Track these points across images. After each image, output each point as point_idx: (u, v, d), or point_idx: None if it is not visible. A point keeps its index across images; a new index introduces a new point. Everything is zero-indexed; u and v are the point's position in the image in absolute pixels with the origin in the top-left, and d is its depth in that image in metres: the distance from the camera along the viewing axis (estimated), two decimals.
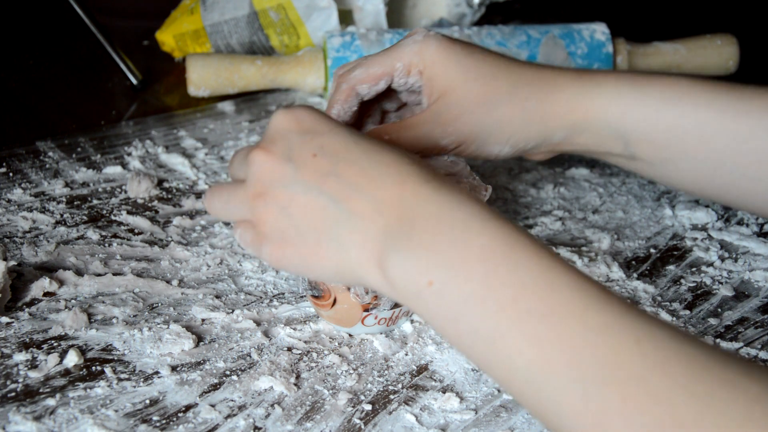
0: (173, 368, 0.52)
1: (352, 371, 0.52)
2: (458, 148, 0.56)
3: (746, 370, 0.35)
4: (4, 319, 0.55)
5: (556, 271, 0.39)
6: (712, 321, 0.59)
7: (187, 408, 0.49)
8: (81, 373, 0.51)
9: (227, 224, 0.67)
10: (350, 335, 0.56)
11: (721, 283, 0.63)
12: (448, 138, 0.56)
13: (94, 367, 0.51)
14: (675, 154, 0.56)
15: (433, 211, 0.41)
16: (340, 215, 0.42)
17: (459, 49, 0.56)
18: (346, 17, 0.96)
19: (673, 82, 0.56)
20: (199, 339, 0.55)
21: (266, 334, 0.55)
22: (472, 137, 0.56)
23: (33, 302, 0.57)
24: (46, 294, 0.57)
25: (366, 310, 0.54)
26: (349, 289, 0.52)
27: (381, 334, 0.56)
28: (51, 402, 0.48)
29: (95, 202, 0.70)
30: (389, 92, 0.59)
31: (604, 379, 0.36)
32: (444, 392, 0.51)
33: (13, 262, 0.58)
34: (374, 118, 0.61)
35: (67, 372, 0.51)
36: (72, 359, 0.51)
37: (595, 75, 0.57)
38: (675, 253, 0.67)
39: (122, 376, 0.51)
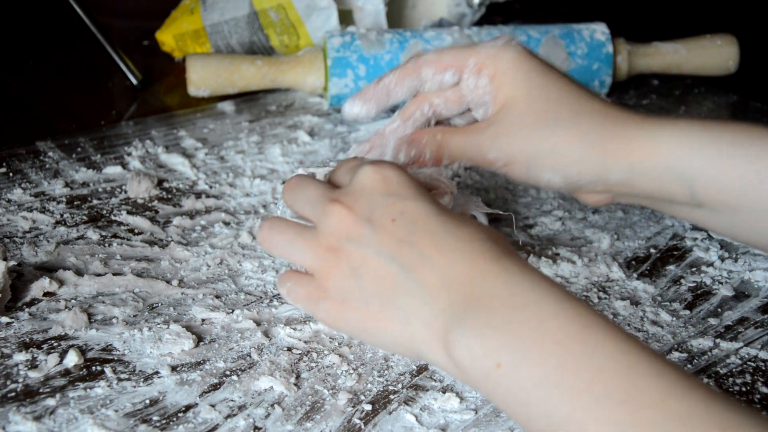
0: (173, 368, 0.52)
1: (352, 371, 0.52)
2: (507, 167, 0.54)
3: None
4: (4, 319, 0.55)
5: (634, 355, 0.37)
6: (712, 321, 0.59)
7: (187, 408, 0.49)
8: (81, 373, 0.51)
9: (227, 224, 0.67)
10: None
11: (721, 283, 0.63)
12: (497, 153, 0.53)
13: (94, 367, 0.51)
14: (748, 201, 0.51)
15: (502, 291, 0.40)
16: (409, 285, 0.42)
17: (535, 65, 0.54)
18: (346, 17, 0.96)
19: (746, 129, 0.52)
20: (199, 339, 0.55)
21: (266, 334, 0.55)
22: (523, 158, 0.53)
23: (33, 302, 0.57)
24: (46, 294, 0.57)
25: None
26: None
27: None
28: (51, 402, 0.48)
29: (95, 202, 0.70)
30: (463, 113, 0.57)
31: None
32: (444, 392, 0.51)
33: (13, 262, 0.57)
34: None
35: (67, 372, 0.51)
36: (72, 359, 0.51)
37: (662, 117, 0.53)
38: (675, 253, 0.67)
39: (122, 376, 0.51)
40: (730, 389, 0.53)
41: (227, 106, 0.88)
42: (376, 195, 0.44)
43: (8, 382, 0.50)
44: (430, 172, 0.55)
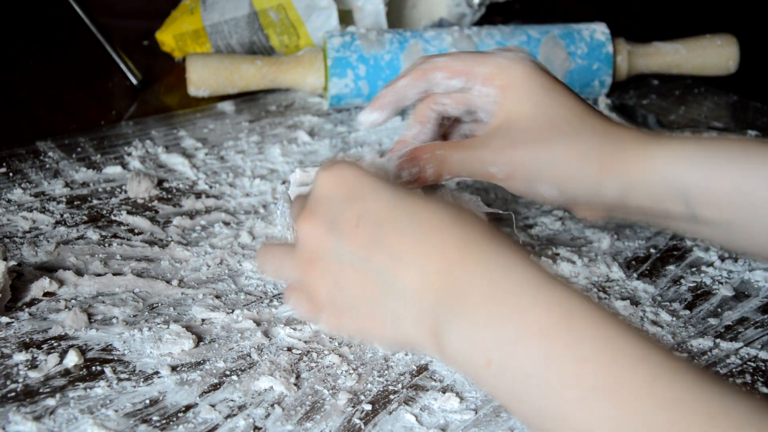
0: (173, 368, 0.52)
1: (352, 371, 0.52)
2: (507, 180, 0.55)
3: None
4: (4, 319, 0.55)
5: (619, 340, 0.37)
6: (712, 321, 0.59)
7: (187, 408, 0.49)
8: (81, 373, 0.51)
9: (227, 224, 0.67)
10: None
11: (721, 283, 0.63)
12: (498, 166, 0.54)
13: (94, 367, 0.51)
14: (741, 213, 0.51)
15: (481, 283, 0.40)
16: (389, 287, 0.42)
17: (543, 81, 0.54)
18: (346, 17, 0.96)
19: (741, 142, 0.53)
20: (199, 339, 0.55)
21: (266, 334, 0.55)
22: (522, 172, 0.54)
23: (33, 302, 0.57)
24: (46, 294, 0.57)
25: None
26: None
27: None
28: (51, 402, 0.48)
29: (95, 202, 0.70)
30: (472, 120, 0.58)
31: None
32: (444, 392, 0.51)
33: (13, 262, 0.57)
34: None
35: (67, 372, 0.51)
36: (72, 359, 0.51)
37: (659, 135, 0.54)
38: (675, 253, 0.67)
39: (122, 376, 0.51)
40: None
41: (227, 106, 0.88)
42: (336, 201, 0.44)
43: (8, 382, 0.50)
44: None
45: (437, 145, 0.55)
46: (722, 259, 0.66)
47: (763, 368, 0.55)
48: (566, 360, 0.37)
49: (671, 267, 0.65)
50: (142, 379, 0.51)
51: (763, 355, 0.56)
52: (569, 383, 0.37)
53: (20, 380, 0.50)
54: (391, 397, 0.51)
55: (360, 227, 0.42)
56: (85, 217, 0.67)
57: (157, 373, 0.51)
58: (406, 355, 0.54)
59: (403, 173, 0.55)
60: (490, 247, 0.41)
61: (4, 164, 0.74)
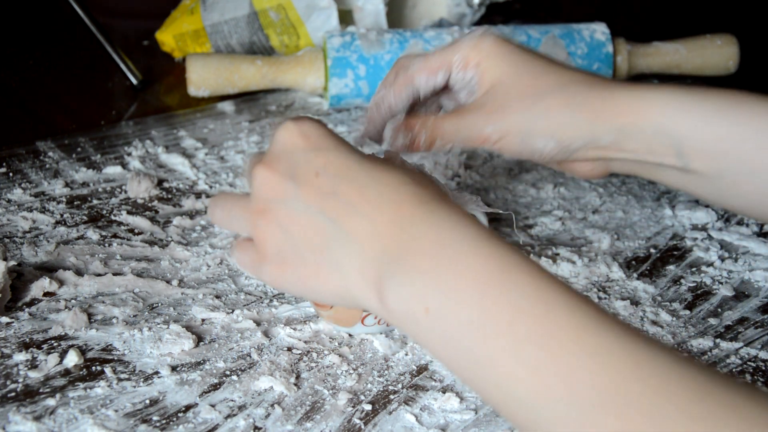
0: (173, 368, 0.52)
1: (352, 371, 0.52)
2: (502, 140, 0.55)
3: (747, 394, 0.34)
4: (4, 319, 0.55)
5: (551, 292, 0.38)
6: (712, 321, 0.59)
7: (187, 408, 0.49)
8: (81, 373, 0.51)
9: None
10: (350, 335, 0.56)
11: (721, 283, 0.63)
12: (492, 126, 0.55)
13: (94, 367, 0.51)
14: (731, 164, 0.53)
15: (427, 234, 0.40)
16: (339, 237, 0.42)
17: (513, 47, 0.56)
18: (346, 17, 0.96)
19: (731, 94, 0.54)
20: (199, 339, 0.55)
21: (266, 334, 0.55)
22: (517, 129, 0.55)
23: (33, 302, 0.57)
24: (46, 294, 0.57)
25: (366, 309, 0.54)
26: None
27: (381, 333, 0.56)
28: (51, 402, 0.48)
29: (95, 202, 0.70)
30: (448, 92, 0.59)
31: (602, 404, 0.35)
32: (444, 392, 0.51)
33: (13, 262, 0.58)
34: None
35: (67, 372, 0.51)
36: (72, 359, 0.51)
37: (649, 84, 0.55)
38: (675, 253, 0.67)
39: (122, 376, 0.51)
40: None
41: (227, 106, 0.88)
42: (298, 151, 0.44)
43: (8, 382, 0.50)
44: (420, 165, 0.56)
45: (430, 115, 0.57)
46: (722, 259, 0.66)
47: (763, 368, 0.55)
48: (500, 309, 0.38)
49: (671, 267, 0.65)
50: (142, 379, 0.51)
51: (763, 355, 0.56)
52: (501, 331, 0.37)
53: (20, 380, 0.50)
54: (391, 397, 0.51)
55: (320, 177, 0.43)
56: (85, 217, 0.67)
57: (157, 373, 0.51)
58: (407, 354, 0.54)
59: (397, 141, 0.56)
60: (441, 206, 0.42)
61: (4, 164, 0.74)
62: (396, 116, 0.58)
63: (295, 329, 0.56)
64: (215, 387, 0.51)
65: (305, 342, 0.55)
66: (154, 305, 0.58)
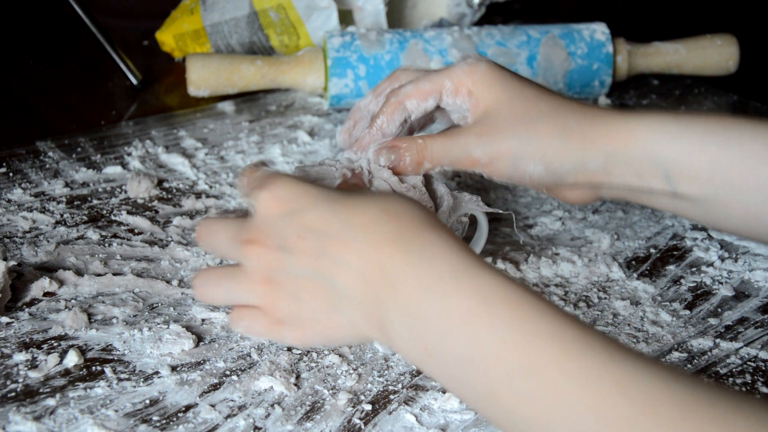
0: (173, 368, 0.52)
1: (352, 371, 0.52)
2: (492, 164, 0.56)
3: (736, 405, 0.35)
4: (4, 319, 0.55)
5: (533, 320, 0.40)
6: (712, 321, 0.59)
7: (187, 408, 0.49)
8: (81, 373, 0.51)
9: None
10: None
11: (721, 283, 0.63)
12: (482, 150, 0.55)
13: (94, 367, 0.51)
14: (720, 187, 0.54)
15: (410, 276, 0.42)
16: (338, 291, 0.44)
17: (507, 74, 0.57)
18: (346, 17, 0.96)
19: (718, 118, 0.55)
20: (199, 339, 0.55)
21: None
22: (508, 151, 0.55)
23: (33, 302, 0.57)
24: (46, 294, 0.57)
25: None
26: None
27: None
28: (51, 402, 0.48)
29: (95, 202, 0.70)
30: (441, 111, 0.60)
31: (593, 426, 0.36)
32: (444, 392, 0.51)
33: (13, 262, 0.58)
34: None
35: (67, 372, 0.51)
36: (72, 359, 0.51)
37: (637, 110, 0.57)
38: (675, 253, 0.67)
39: (122, 376, 0.51)
40: (730, 389, 0.53)
41: (227, 106, 0.88)
42: (276, 219, 0.45)
43: (8, 382, 0.50)
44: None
45: (418, 135, 0.57)
46: (722, 259, 0.66)
47: (763, 368, 0.55)
48: (488, 343, 0.40)
49: (671, 267, 0.65)
50: (142, 379, 0.51)
51: (763, 355, 0.56)
52: (492, 364, 0.39)
53: (20, 380, 0.50)
54: (391, 397, 0.51)
55: (304, 239, 0.44)
56: (85, 217, 0.67)
57: (157, 373, 0.51)
58: None
59: (381, 159, 0.56)
60: (418, 239, 0.43)
61: (4, 164, 0.74)
62: (369, 98, 0.60)
63: None
64: (215, 387, 0.51)
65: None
66: (154, 305, 0.58)
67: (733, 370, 0.55)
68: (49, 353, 0.52)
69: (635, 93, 0.95)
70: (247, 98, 0.90)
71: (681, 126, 0.54)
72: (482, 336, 0.40)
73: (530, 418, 0.38)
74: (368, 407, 0.50)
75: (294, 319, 0.46)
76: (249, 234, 0.46)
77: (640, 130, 0.54)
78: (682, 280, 0.64)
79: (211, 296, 0.48)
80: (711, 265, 0.65)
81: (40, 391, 0.49)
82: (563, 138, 0.55)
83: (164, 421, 0.48)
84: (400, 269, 0.42)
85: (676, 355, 0.56)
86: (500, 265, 0.64)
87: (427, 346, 0.41)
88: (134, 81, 0.91)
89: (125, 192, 0.71)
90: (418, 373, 0.53)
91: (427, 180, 0.58)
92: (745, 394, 0.46)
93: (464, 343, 0.40)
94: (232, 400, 0.50)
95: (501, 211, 0.61)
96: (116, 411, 0.48)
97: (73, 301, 0.57)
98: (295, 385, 0.51)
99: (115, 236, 0.65)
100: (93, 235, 0.65)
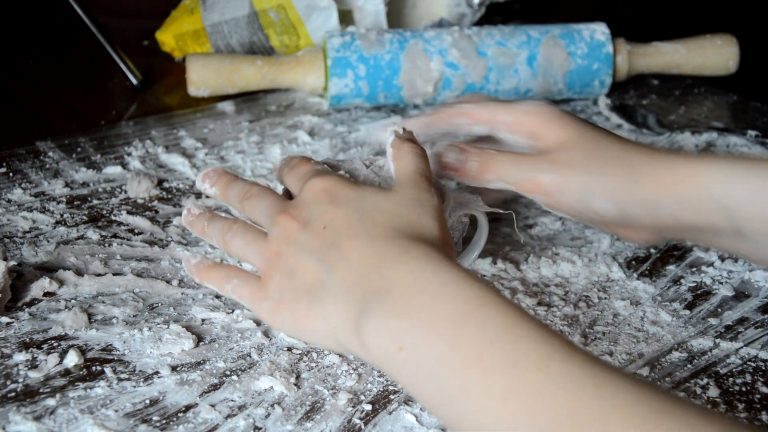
0: (173, 368, 0.52)
1: (352, 371, 0.52)
2: (558, 195, 0.56)
3: (704, 415, 0.36)
4: (4, 319, 0.55)
5: (522, 326, 0.40)
6: (712, 321, 0.59)
7: (187, 408, 0.49)
8: (81, 373, 0.51)
9: None
10: None
11: (721, 283, 0.63)
12: (552, 177, 0.56)
13: (94, 367, 0.51)
14: None
15: (407, 280, 0.43)
16: (331, 284, 0.46)
17: (572, 116, 0.58)
18: (346, 17, 0.96)
19: None
20: (199, 339, 0.55)
21: (266, 334, 0.55)
22: (578, 185, 0.56)
23: (33, 302, 0.57)
24: (46, 294, 0.57)
25: None
26: None
27: None
28: (51, 402, 0.48)
29: (95, 202, 0.70)
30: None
31: (564, 425, 0.37)
32: None
33: (13, 262, 0.58)
34: None
35: (67, 372, 0.51)
36: (72, 359, 0.51)
37: (701, 153, 0.57)
38: (675, 253, 0.67)
39: (122, 376, 0.51)
40: (730, 389, 0.53)
41: (227, 106, 0.88)
42: (316, 204, 0.49)
43: (8, 382, 0.50)
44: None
45: (488, 146, 0.58)
46: (722, 259, 0.66)
47: (763, 368, 0.55)
48: (471, 342, 0.40)
49: (671, 267, 0.65)
50: (142, 379, 0.51)
51: (763, 355, 0.56)
52: (472, 363, 0.40)
53: (20, 380, 0.50)
54: (391, 397, 0.51)
55: (327, 230, 0.47)
56: (85, 217, 0.67)
57: (157, 373, 0.51)
58: None
59: (449, 156, 0.58)
60: (422, 252, 0.45)
61: (4, 164, 0.74)
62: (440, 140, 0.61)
63: None
64: (215, 387, 0.51)
65: (305, 342, 0.55)
66: (154, 305, 0.58)
67: (733, 370, 0.55)
68: (49, 353, 0.52)
69: (635, 93, 0.95)
70: (247, 98, 0.90)
71: (748, 170, 0.54)
72: (468, 335, 0.40)
73: (499, 417, 0.39)
74: (368, 407, 0.50)
75: (278, 295, 0.48)
76: (288, 207, 0.50)
77: (708, 174, 0.54)
78: (682, 280, 0.64)
79: (233, 244, 0.52)
80: (711, 265, 0.65)
81: (40, 391, 0.49)
82: (634, 180, 0.55)
83: (164, 421, 0.48)
84: (396, 274, 0.44)
85: (676, 355, 0.56)
86: (500, 265, 0.64)
87: (403, 345, 0.42)
88: (134, 81, 0.91)
89: (125, 192, 0.71)
90: None
91: None
92: (714, 411, 0.48)
93: (446, 342, 0.41)
94: (232, 400, 0.50)
95: (501, 211, 0.61)
96: (116, 411, 0.48)
97: (73, 301, 0.57)
98: (295, 385, 0.51)
99: (115, 236, 0.65)
100: (93, 235, 0.65)
